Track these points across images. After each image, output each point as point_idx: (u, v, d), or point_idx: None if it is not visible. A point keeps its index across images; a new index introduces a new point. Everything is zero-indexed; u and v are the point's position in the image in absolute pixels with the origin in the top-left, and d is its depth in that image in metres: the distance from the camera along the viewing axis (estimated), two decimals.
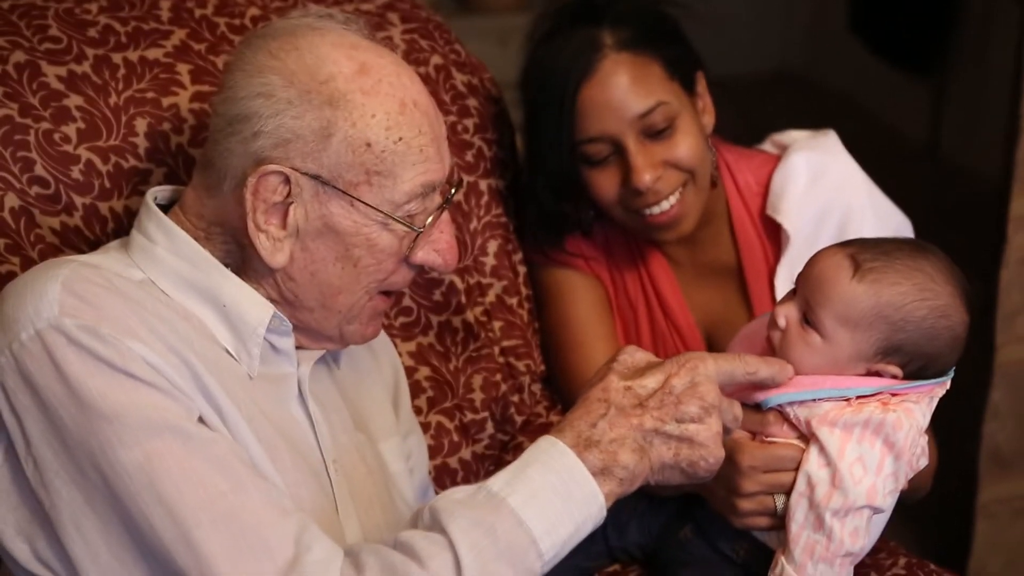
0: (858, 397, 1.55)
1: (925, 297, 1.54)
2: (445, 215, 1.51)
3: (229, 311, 1.44)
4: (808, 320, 1.57)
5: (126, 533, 1.30)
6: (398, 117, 1.43)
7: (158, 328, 1.36)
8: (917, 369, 1.57)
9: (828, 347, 1.56)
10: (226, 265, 1.47)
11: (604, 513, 1.36)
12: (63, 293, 1.33)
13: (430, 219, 1.48)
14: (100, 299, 1.34)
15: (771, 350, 1.61)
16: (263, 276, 1.47)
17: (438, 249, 1.51)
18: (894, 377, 1.57)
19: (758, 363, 1.49)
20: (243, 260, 1.47)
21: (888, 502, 1.56)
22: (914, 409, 1.55)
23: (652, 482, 1.41)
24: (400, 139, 1.43)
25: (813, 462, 1.54)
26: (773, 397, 1.56)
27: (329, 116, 1.40)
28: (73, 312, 1.32)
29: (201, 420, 1.34)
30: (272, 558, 1.27)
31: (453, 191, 1.53)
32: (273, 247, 1.43)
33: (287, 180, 1.41)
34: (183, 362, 1.35)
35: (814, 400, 1.55)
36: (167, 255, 1.45)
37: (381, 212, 1.44)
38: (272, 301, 1.48)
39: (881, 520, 1.62)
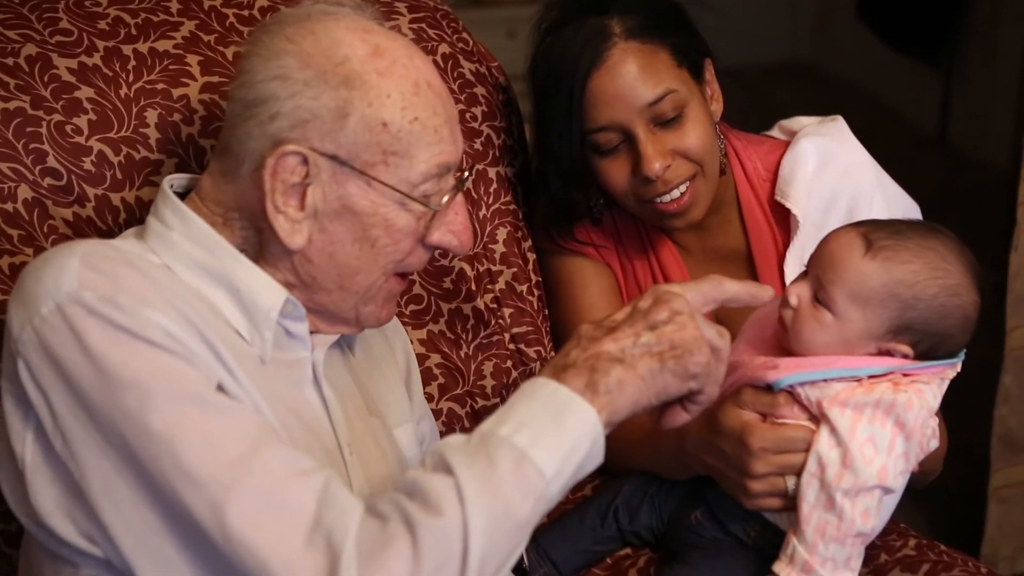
0: (869, 377, 1.56)
1: (936, 276, 1.55)
2: (459, 197, 1.52)
3: (243, 295, 1.45)
4: (819, 298, 1.58)
5: (154, 499, 1.30)
6: (413, 98, 1.45)
7: (175, 302, 1.37)
8: (928, 349, 1.58)
9: (839, 325, 1.57)
10: (243, 251, 1.48)
11: (599, 428, 1.33)
12: (82, 267, 1.34)
13: (445, 199, 1.49)
14: (118, 272, 1.35)
15: (783, 330, 1.61)
16: (280, 259, 1.48)
17: (454, 230, 1.52)
18: (905, 357, 1.57)
19: (734, 284, 1.47)
20: (260, 244, 1.48)
21: (899, 482, 1.56)
22: (925, 390, 1.56)
23: (654, 398, 1.38)
24: (416, 119, 1.44)
25: (824, 442, 1.54)
26: (784, 378, 1.57)
27: (345, 96, 1.42)
28: (92, 285, 1.32)
29: (220, 387, 1.35)
30: (293, 518, 1.27)
31: (467, 173, 1.54)
32: (291, 228, 1.44)
33: (305, 161, 1.42)
34: (200, 335, 1.36)
35: (825, 380, 1.56)
36: (182, 240, 1.47)
37: (398, 192, 1.45)
38: (290, 284, 1.49)
39: (892, 501, 1.62)
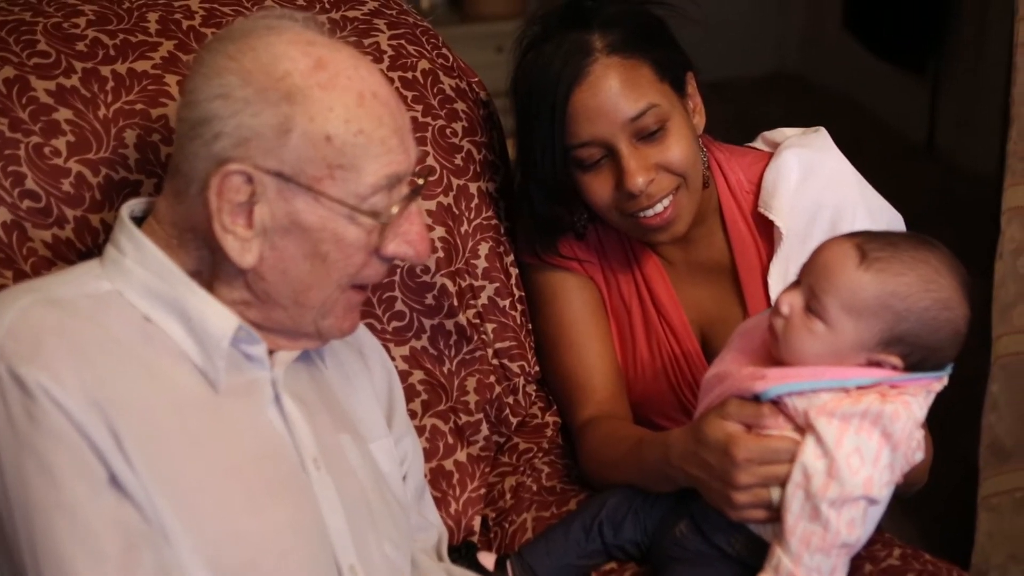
0: (857, 388, 1.56)
1: (929, 289, 1.56)
2: (414, 205, 1.51)
3: (194, 324, 1.46)
4: (812, 308, 1.58)
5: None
6: (357, 110, 1.43)
7: (96, 373, 1.37)
8: (917, 361, 1.58)
9: (831, 335, 1.57)
10: (199, 272, 1.48)
11: None
12: (5, 336, 1.35)
13: (395, 209, 1.48)
14: (41, 342, 1.36)
15: (773, 339, 1.61)
16: (235, 278, 1.47)
17: (409, 240, 1.51)
18: (894, 368, 1.57)
19: None
20: (215, 264, 1.48)
21: (884, 493, 1.56)
22: (912, 402, 1.56)
23: None
24: (360, 131, 1.43)
25: (810, 453, 1.54)
26: (773, 388, 1.57)
27: (287, 112, 1.41)
28: (10, 355, 1.34)
29: (114, 480, 1.36)
30: None
31: (421, 181, 1.53)
32: (241, 247, 1.44)
33: (250, 179, 1.42)
34: (105, 419, 1.36)
35: (813, 391, 1.56)
36: (135, 266, 1.47)
37: (346, 205, 1.44)
38: (246, 303, 1.49)
39: (876, 512, 1.62)
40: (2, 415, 1.33)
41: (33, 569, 1.32)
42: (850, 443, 1.53)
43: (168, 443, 1.40)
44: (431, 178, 1.97)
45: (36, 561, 1.32)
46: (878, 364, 1.58)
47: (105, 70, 1.76)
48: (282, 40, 1.45)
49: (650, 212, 1.88)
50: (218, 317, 1.46)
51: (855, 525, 1.54)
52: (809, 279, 1.60)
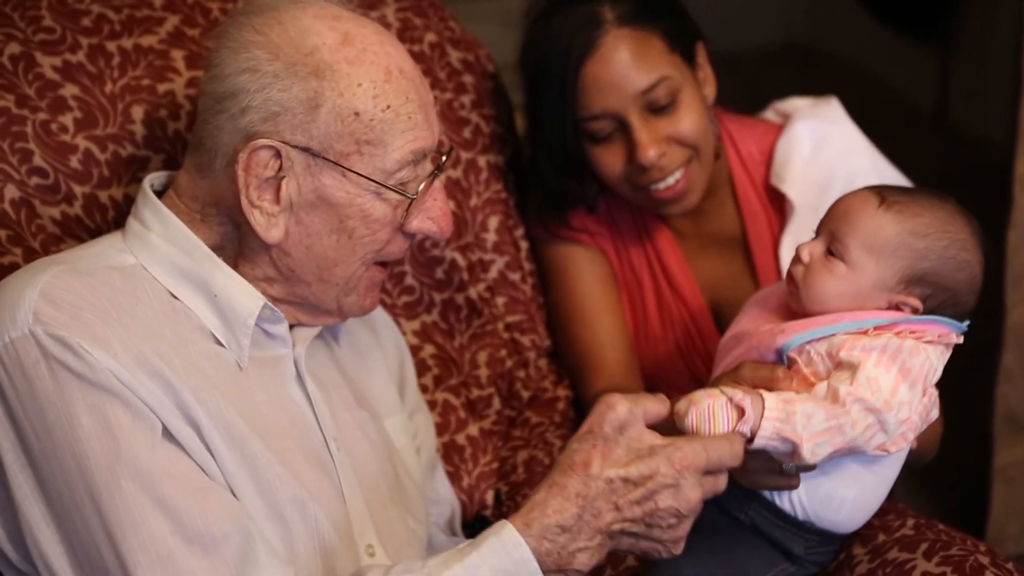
0: (875, 328, 1.56)
1: (947, 230, 1.58)
2: (437, 182, 1.51)
3: (220, 301, 1.45)
4: (833, 250, 1.60)
5: (76, 555, 1.32)
6: (384, 85, 1.44)
7: (134, 336, 1.36)
8: (937, 305, 1.60)
9: (852, 275, 1.58)
10: (222, 248, 1.47)
11: None
12: (40, 301, 1.34)
13: (422, 185, 1.48)
14: (77, 307, 1.35)
15: (793, 288, 1.61)
16: (259, 253, 1.47)
17: (432, 216, 1.51)
18: (915, 311, 1.58)
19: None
20: (239, 239, 1.47)
21: (898, 432, 1.52)
22: (930, 349, 1.56)
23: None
24: (388, 107, 1.43)
25: (835, 376, 1.53)
26: (795, 339, 1.57)
27: (316, 87, 1.41)
28: (47, 320, 1.33)
29: (167, 432, 1.35)
30: None
31: (444, 158, 1.53)
32: (268, 222, 1.43)
33: (278, 154, 1.41)
34: (154, 374, 1.35)
35: (834, 335, 1.56)
36: (160, 242, 1.46)
37: (373, 181, 1.44)
38: (269, 279, 1.48)
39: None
40: (48, 377, 1.31)
41: (99, 528, 1.30)
42: (872, 371, 1.52)
43: (213, 397, 1.40)
44: (448, 160, 1.96)
45: (102, 519, 1.30)
46: (898, 308, 1.59)
47: (111, 45, 1.75)
48: (308, 14, 1.44)
49: (662, 185, 1.87)
50: (244, 295, 1.46)
51: (857, 428, 1.51)
52: (830, 225, 1.62)
